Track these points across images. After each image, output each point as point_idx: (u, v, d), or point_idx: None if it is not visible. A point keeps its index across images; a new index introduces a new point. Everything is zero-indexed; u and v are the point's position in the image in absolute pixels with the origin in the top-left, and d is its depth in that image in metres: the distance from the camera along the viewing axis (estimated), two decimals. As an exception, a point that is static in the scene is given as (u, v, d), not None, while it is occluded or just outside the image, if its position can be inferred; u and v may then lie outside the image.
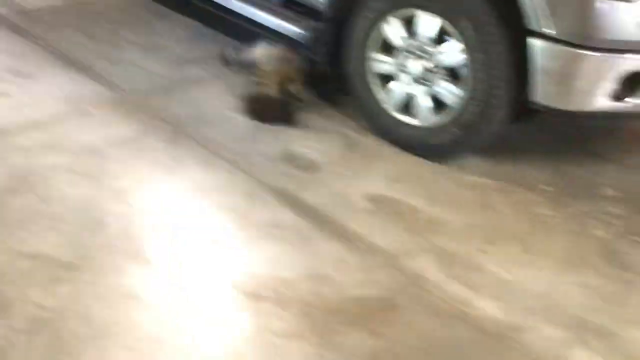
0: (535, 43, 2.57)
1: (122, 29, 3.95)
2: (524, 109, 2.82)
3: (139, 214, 2.43)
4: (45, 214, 2.34)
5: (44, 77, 3.25)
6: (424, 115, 2.97)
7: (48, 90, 3.14)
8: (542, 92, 2.63)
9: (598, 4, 2.45)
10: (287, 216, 2.54)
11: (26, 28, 3.74)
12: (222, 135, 3.00)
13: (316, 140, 3.09)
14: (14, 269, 2.08)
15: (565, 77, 2.57)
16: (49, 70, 3.32)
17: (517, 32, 2.63)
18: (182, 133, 2.97)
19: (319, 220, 2.55)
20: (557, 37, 2.52)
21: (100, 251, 2.22)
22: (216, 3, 3.71)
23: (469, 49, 2.73)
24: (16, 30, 3.70)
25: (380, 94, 3.08)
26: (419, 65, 2.91)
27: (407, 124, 3.03)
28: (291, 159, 2.92)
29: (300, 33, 3.30)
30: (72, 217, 2.35)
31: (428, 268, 2.37)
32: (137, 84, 3.34)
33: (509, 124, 2.90)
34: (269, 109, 3.18)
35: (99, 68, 3.43)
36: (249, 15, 3.52)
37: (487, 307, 2.22)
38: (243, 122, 3.15)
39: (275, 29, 3.42)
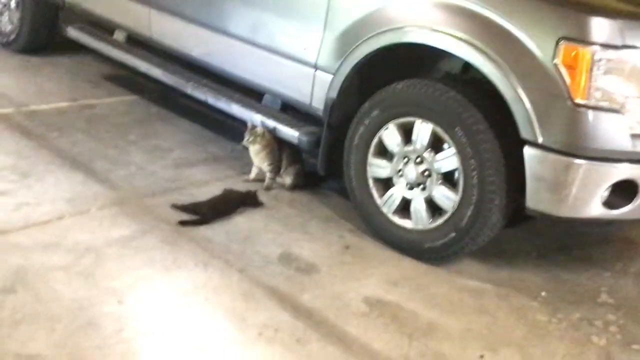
0: (528, 151, 2.65)
1: (125, 131, 4.05)
2: (518, 215, 2.87)
3: (133, 315, 2.41)
4: (40, 314, 2.32)
5: (47, 177, 3.29)
6: (420, 219, 3.01)
7: (50, 190, 3.17)
8: (536, 199, 2.68)
9: (587, 115, 2.54)
10: (284, 318, 2.52)
11: (31, 129, 3.82)
12: (222, 236, 3.02)
13: (314, 242, 3.10)
14: (6, 370, 2.04)
15: (558, 184, 2.62)
16: (52, 170, 3.37)
17: (510, 140, 2.71)
18: (181, 233, 2.98)
19: (316, 322, 2.52)
20: (549, 145, 2.60)
21: (93, 353, 2.18)
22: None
23: (462, 155, 2.81)
24: (21, 130, 3.78)
25: (378, 198, 3.14)
26: (415, 171, 2.99)
27: (404, 227, 3.07)
28: (289, 261, 2.92)
29: (299, 138, 3.39)
30: (66, 318, 2.32)
31: (427, 374, 2.34)
32: (138, 184, 3.38)
33: (504, 228, 2.94)
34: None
35: (101, 168, 3.49)
36: (248, 119, 3.62)
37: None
38: (243, 223, 3.17)
39: (275, 133, 3.53)
